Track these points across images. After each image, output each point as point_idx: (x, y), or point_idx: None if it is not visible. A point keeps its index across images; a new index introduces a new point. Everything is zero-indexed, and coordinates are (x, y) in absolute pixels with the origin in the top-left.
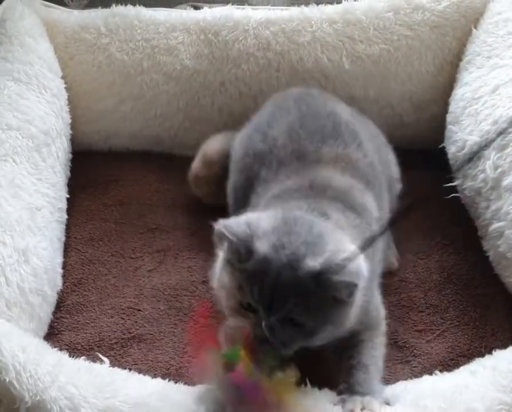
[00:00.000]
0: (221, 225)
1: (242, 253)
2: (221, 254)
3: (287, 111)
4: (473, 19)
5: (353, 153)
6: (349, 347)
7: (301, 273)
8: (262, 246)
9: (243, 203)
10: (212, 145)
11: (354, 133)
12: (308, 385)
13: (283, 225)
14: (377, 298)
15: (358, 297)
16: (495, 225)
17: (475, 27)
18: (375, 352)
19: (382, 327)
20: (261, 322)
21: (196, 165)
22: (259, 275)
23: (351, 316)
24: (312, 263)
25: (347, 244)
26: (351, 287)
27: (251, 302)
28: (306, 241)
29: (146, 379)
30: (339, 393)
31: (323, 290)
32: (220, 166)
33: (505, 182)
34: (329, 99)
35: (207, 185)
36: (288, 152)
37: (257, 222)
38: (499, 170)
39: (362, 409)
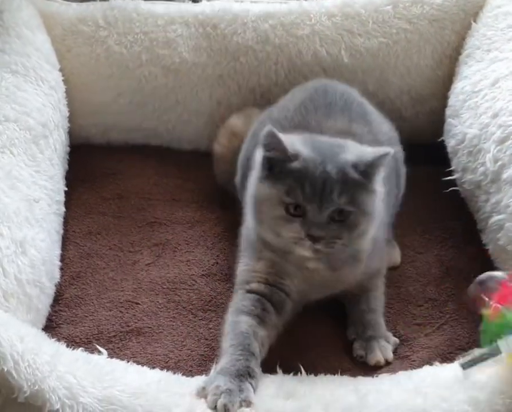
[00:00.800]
0: (269, 129)
1: (290, 153)
2: (254, 173)
3: (304, 90)
4: (472, 12)
5: (358, 128)
6: (357, 296)
7: (341, 165)
8: (304, 148)
9: (247, 168)
10: (237, 119)
11: (363, 112)
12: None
13: (312, 140)
14: (383, 247)
15: (379, 187)
16: (495, 218)
17: (474, 21)
18: (381, 297)
19: (383, 275)
20: (312, 220)
21: (220, 138)
22: (308, 174)
23: (377, 206)
24: (348, 156)
25: (366, 147)
26: (381, 160)
27: (302, 201)
28: (336, 145)
29: (145, 369)
30: (350, 336)
31: (360, 175)
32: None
33: (505, 175)
34: (347, 86)
35: (229, 160)
36: (296, 123)
37: (292, 136)
38: (499, 163)
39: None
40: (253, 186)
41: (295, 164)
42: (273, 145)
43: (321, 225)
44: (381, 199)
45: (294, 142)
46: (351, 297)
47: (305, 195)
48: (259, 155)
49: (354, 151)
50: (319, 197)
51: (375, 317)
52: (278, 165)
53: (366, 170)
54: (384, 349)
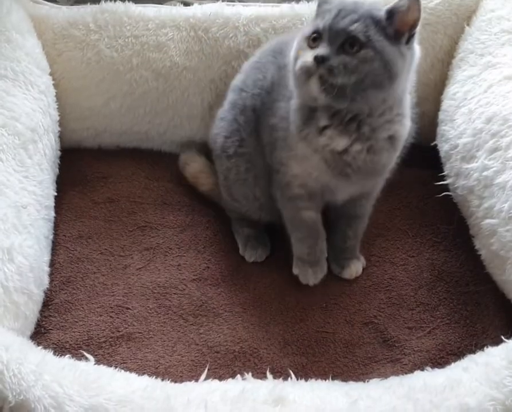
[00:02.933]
0: None
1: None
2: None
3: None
4: (465, 16)
5: None
6: (350, 217)
7: (368, 6)
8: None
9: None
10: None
11: None
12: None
13: None
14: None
15: (413, 54)
16: (488, 223)
17: (468, 25)
18: (364, 225)
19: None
20: (322, 44)
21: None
22: (331, 8)
23: (404, 72)
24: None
25: None
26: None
27: (319, 29)
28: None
29: (132, 376)
30: (333, 252)
31: (390, 29)
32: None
33: (498, 180)
34: None
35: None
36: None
37: None
38: (493, 169)
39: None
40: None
41: (326, 6)
42: None
43: (328, 49)
44: (411, 71)
45: None
46: (346, 212)
47: (322, 23)
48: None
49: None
50: (332, 22)
51: (355, 242)
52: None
53: (395, 21)
54: (356, 267)
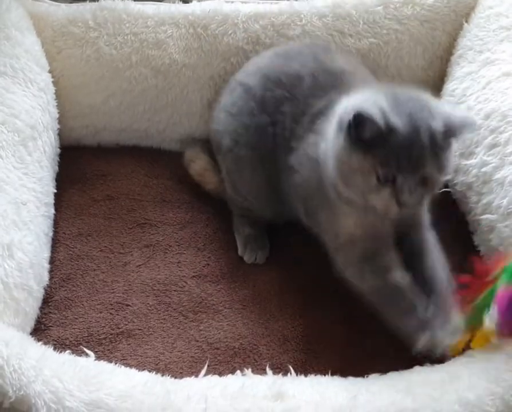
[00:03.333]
0: (358, 110)
1: (383, 129)
2: (334, 140)
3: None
4: (463, 13)
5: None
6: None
7: (434, 133)
8: (397, 121)
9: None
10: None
11: None
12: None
13: (394, 100)
14: None
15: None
16: (486, 219)
17: (466, 21)
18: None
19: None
20: (403, 188)
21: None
22: (403, 145)
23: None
24: (438, 123)
25: (446, 105)
26: (471, 126)
27: (396, 171)
28: (422, 107)
29: (133, 371)
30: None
31: (448, 141)
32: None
33: (497, 176)
34: None
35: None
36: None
37: (376, 101)
38: (492, 165)
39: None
40: (337, 154)
41: (390, 137)
42: (364, 124)
43: (410, 192)
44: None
45: (384, 112)
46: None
47: (399, 166)
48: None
49: (441, 112)
50: (413, 166)
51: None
52: (369, 137)
53: (456, 135)
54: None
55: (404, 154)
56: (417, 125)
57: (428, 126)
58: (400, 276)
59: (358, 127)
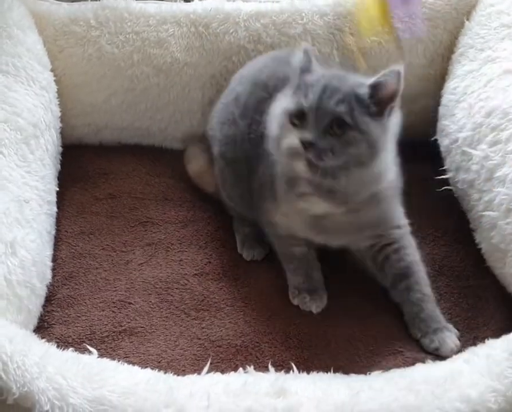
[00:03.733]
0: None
1: (312, 66)
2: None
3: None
4: (464, 11)
5: None
6: (397, 276)
7: (351, 83)
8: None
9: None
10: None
11: None
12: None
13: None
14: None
15: (392, 128)
16: (488, 217)
17: (467, 19)
18: (423, 275)
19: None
20: (307, 128)
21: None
22: (314, 83)
23: (387, 147)
24: (360, 79)
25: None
26: (397, 86)
27: (302, 107)
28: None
29: (135, 369)
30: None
31: (373, 103)
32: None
33: (498, 173)
34: None
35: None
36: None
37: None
38: (493, 162)
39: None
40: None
41: (308, 77)
42: (305, 57)
43: (315, 132)
44: (392, 139)
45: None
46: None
47: (306, 102)
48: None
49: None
50: (318, 102)
51: (431, 306)
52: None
53: (377, 97)
54: (452, 340)
55: (312, 90)
56: (339, 75)
57: (347, 77)
58: (299, 251)
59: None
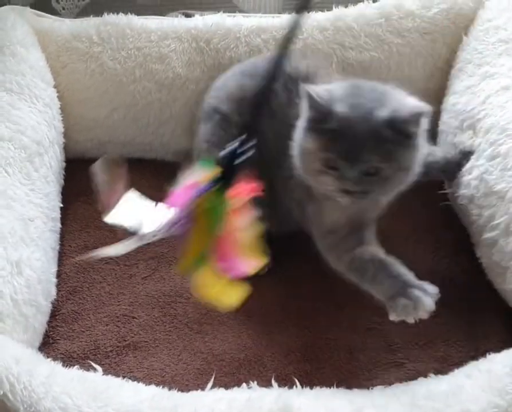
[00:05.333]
0: (308, 88)
1: (325, 113)
2: (300, 123)
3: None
4: (463, 25)
5: None
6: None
7: (374, 123)
8: (340, 108)
9: None
10: None
11: None
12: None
13: (353, 89)
14: None
15: (421, 142)
16: (488, 234)
17: (465, 34)
18: None
19: None
20: (345, 176)
21: None
22: (341, 132)
23: (418, 160)
24: (382, 112)
25: (408, 98)
26: (418, 117)
27: (336, 158)
28: (374, 98)
29: (140, 386)
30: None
31: (395, 132)
32: None
33: (497, 187)
34: None
35: None
36: None
37: (333, 89)
38: (491, 177)
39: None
40: (299, 136)
41: (330, 123)
42: (310, 103)
43: (353, 179)
44: (422, 153)
45: (331, 97)
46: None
47: (339, 153)
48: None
49: (393, 103)
50: (351, 155)
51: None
52: (316, 121)
53: (402, 127)
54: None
55: (343, 140)
56: (358, 112)
57: (370, 114)
58: (370, 250)
59: (311, 110)
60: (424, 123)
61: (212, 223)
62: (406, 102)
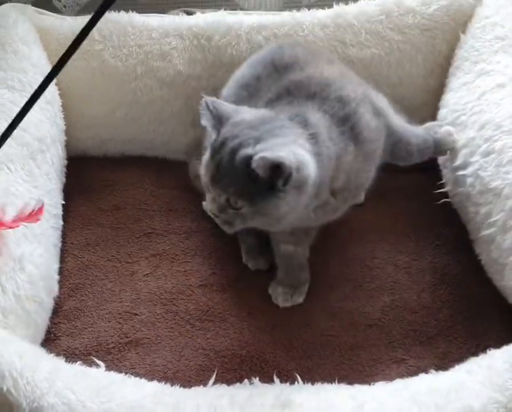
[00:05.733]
0: (209, 99)
1: (210, 130)
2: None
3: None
4: (462, 22)
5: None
6: None
7: (237, 159)
8: (224, 132)
9: None
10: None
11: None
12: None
13: (257, 121)
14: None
15: (292, 196)
16: (486, 232)
17: (463, 32)
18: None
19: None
20: (209, 198)
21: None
22: (212, 157)
23: (286, 212)
24: (247, 151)
25: (296, 146)
26: (272, 167)
27: (207, 181)
28: (259, 137)
29: (143, 382)
30: None
31: (253, 175)
32: None
33: (493, 184)
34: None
35: None
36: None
37: (242, 112)
38: (487, 173)
39: None
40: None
41: (215, 143)
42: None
43: (218, 205)
44: (292, 203)
45: (231, 119)
46: None
47: (209, 177)
48: None
49: (266, 145)
50: (214, 182)
51: None
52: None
53: (256, 171)
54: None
55: (209, 166)
56: (229, 146)
57: (237, 150)
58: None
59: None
60: (297, 179)
61: None
62: (277, 150)
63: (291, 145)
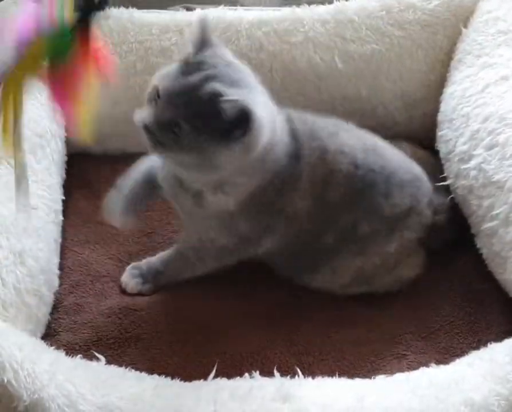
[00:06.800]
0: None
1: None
2: None
3: None
4: (463, 17)
5: None
6: None
7: (205, 88)
8: (204, 55)
9: None
10: None
11: None
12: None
13: (241, 68)
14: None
15: (241, 157)
16: (488, 224)
17: (465, 26)
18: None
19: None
20: (152, 111)
21: None
22: (179, 72)
23: (220, 168)
24: (220, 87)
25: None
26: (240, 113)
27: (158, 90)
28: (237, 81)
29: (143, 375)
30: None
31: (214, 110)
32: None
33: (496, 177)
34: None
35: None
36: None
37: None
38: (490, 166)
39: None
40: None
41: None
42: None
43: (158, 121)
44: (232, 161)
45: (215, 47)
46: None
47: (164, 87)
48: None
49: (245, 93)
50: (168, 96)
51: None
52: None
53: (221, 111)
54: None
55: (168, 78)
56: (198, 68)
57: (205, 76)
58: None
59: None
60: (254, 136)
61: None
62: (251, 101)
63: (267, 105)
